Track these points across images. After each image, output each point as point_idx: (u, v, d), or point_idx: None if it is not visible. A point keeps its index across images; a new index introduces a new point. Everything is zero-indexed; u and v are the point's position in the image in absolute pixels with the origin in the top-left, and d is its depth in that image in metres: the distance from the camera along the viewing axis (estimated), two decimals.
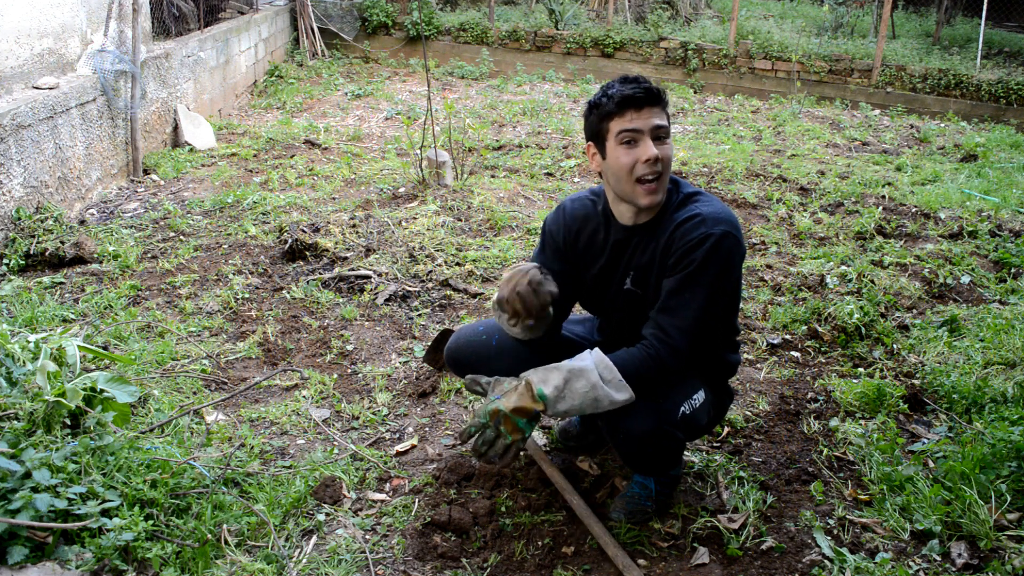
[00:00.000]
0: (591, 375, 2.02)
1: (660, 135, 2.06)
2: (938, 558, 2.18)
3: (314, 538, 2.25)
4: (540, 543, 2.25)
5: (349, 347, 3.41)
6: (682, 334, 2.05)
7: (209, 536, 2.11)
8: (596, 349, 2.10)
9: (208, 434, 2.66)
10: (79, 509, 2.05)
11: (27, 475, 2.08)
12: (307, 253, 4.26)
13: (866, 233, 4.81)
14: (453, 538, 2.27)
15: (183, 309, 3.66)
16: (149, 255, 4.27)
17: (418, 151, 5.72)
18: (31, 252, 4.05)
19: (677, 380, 2.15)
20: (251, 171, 5.88)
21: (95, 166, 5.10)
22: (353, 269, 4.06)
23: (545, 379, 2.05)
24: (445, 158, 5.43)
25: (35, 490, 2.04)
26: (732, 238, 2.05)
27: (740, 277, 2.16)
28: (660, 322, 2.09)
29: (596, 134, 2.13)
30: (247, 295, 3.84)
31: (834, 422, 2.87)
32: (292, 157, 6.20)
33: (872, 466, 2.57)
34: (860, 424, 2.86)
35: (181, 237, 4.52)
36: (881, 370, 3.27)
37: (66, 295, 3.77)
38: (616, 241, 2.22)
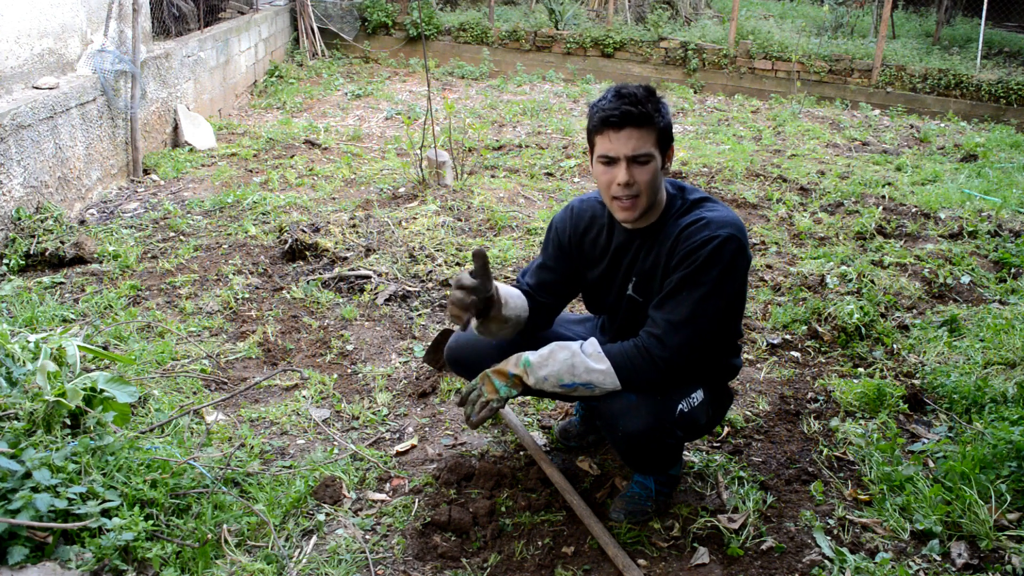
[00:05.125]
0: (574, 346, 2.13)
1: (638, 160, 2.02)
2: (938, 558, 2.18)
3: (314, 538, 2.25)
4: (540, 543, 2.25)
5: (349, 347, 3.41)
6: (672, 327, 2.05)
7: (209, 536, 2.11)
8: (591, 338, 2.18)
9: (208, 434, 2.66)
10: (79, 509, 2.05)
11: (27, 475, 2.08)
12: (307, 253, 4.26)
13: (866, 233, 4.81)
14: (453, 538, 2.27)
15: (183, 309, 3.66)
16: (149, 255, 4.27)
17: (418, 151, 5.72)
18: (31, 252, 4.05)
19: (674, 379, 2.15)
20: (251, 171, 5.88)
21: (95, 166, 5.10)
22: (353, 269, 4.06)
23: (535, 351, 2.16)
24: (445, 158, 5.42)
25: (35, 490, 2.04)
26: (737, 242, 2.04)
27: (744, 283, 2.14)
28: (653, 316, 2.11)
29: (588, 143, 2.15)
30: (247, 295, 3.84)
31: (834, 422, 2.87)
32: (292, 157, 6.20)
33: (872, 466, 2.57)
34: (860, 424, 2.86)
35: (181, 237, 4.52)
36: (881, 370, 3.27)
37: (66, 295, 3.77)
38: (618, 244, 2.22)
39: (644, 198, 2.06)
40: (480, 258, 2.02)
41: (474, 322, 2.15)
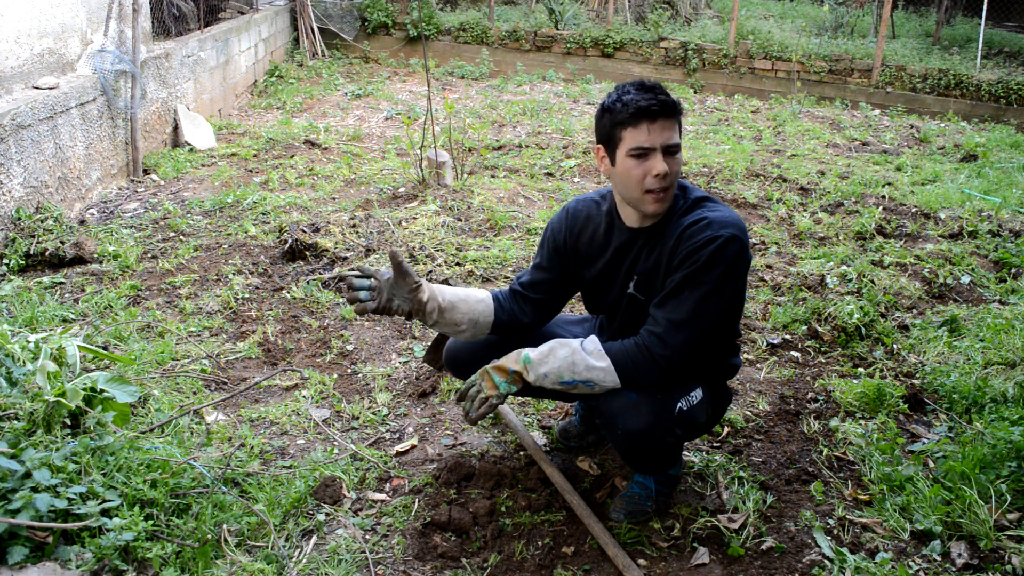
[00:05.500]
0: (574, 344, 2.14)
1: (672, 151, 2.05)
2: (938, 558, 2.18)
3: (314, 538, 2.25)
4: (540, 543, 2.25)
5: (349, 347, 3.41)
6: (674, 326, 2.05)
7: (209, 536, 2.11)
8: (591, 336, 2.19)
9: (208, 434, 2.66)
10: (79, 509, 2.05)
11: (27, 475, 2.08)
12: (307, 253, 4.26)
13: (866, 233, 4.81)
14: (453, 538, 2.27)
15: (183, 309, 3.66)
16: (149, 255, 4.27)
17: (418, 151, 5.72)
18: (31, 252, 4.05)
19: (674, 378, 2.15)
20: (251, 171, 5.88)
21: (95, 166, 5.10)
22: (353, 269, 4.06)
23: (535, 348, 2.17)
24: (445, 158, 5.43)
25: (35, 490, 2.04)
26: (739, 242, 2.05)
27: (744, 284, 2.14)
28: (654, 314, 2.11)
29: (607, 139, 2.11)
30: (247, 295, 3.84)
31: (834, 422, 2.87)
32: (292, 157, 6.21)
33: (872, 466, 2.57)
34: (860, 424, 2.86)
35: (181, 237, 4.52)
36: (881, 370, 3.27)
37: (66, 295, 3.77)
38: (620, 243, 2.22)
39: (673, 189, 2.09)
40: (392, 259, 2.16)
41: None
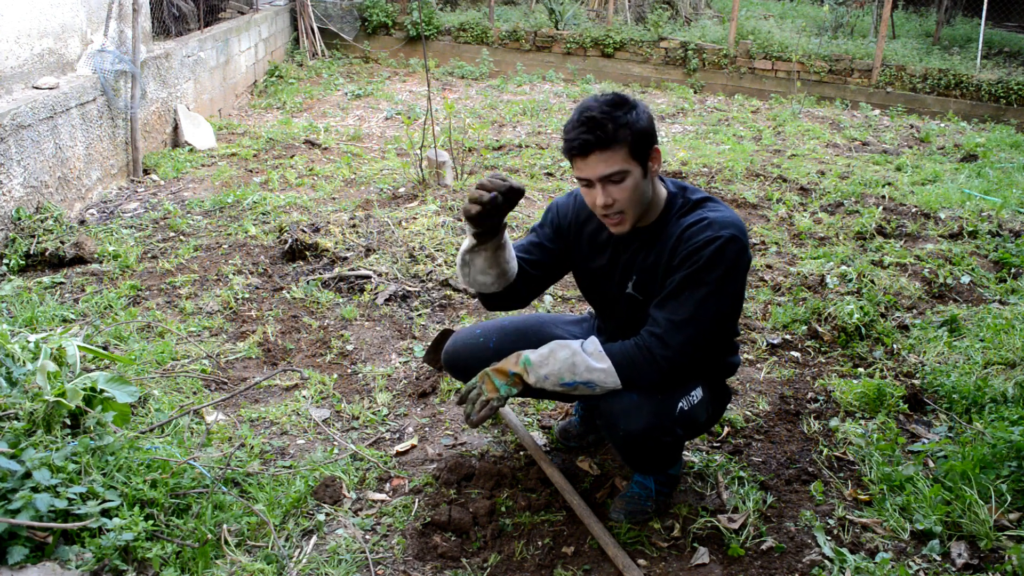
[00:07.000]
0: (574, 345, 2.14)
1: (612, 180, 2.01)
2: (938, 558, 2.18)
3: (314, 538, 2.25)
4: (540, 543, 2.25)
5: (349, 347, 3.41)
6: (674, 327, 2.05)
7: (209, 536, 2.11)
8: (591, 337, 2.19)
9: (208, 434, 2.66)
10: (79, 509, 2.05)
11: (27, 475, 2.08)
12: (307, 253, 4.26)
13: (866, 233, 4.81)
14: (453, 538, 2.27)
15: (183, 309, 3.66)
16: (149, 255, 4.27)
17: (418, 151, 5.72)
18: (31, 252, 4.05)
19: (674, 378, 2.15)
20: (251, 171, 5.88)
21: (95, 166, 5.10)
22: (353, 269, 4.06)
23: (535, 350, 2.18)
24: (445, 158, 5.43)
25: (35, 490, 2.04)
26: (739, 242, 2.05)
27: (744, 284, 2.14)
28: (654, 315, 2.11)
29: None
30: (247, 295, 3.84)
31: (834, 422, 2.87)
32: (292, 157, 6.20)
33: (872, 466, 2.57)
34: (860, 424, 2.86)
35: (181, 237, 4.52)
36: (881, 370, 3.27)
37: (66, 295, 3.77)
38: (618, 241, 2.23)
39: (630, 212, 2.07)
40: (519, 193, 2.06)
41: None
